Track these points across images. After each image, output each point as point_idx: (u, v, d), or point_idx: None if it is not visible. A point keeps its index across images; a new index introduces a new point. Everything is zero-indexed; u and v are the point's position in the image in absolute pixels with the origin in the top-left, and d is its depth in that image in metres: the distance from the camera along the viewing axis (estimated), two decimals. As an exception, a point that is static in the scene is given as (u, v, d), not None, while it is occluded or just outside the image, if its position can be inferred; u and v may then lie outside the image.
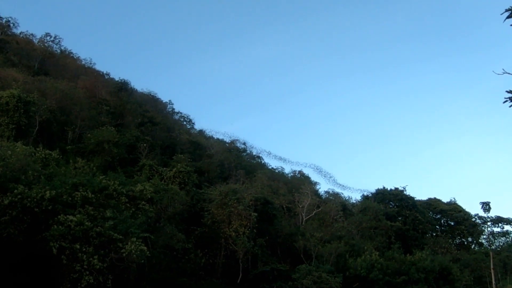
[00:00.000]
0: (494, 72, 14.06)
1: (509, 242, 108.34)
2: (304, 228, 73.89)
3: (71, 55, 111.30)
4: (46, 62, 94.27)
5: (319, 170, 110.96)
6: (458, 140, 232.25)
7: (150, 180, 56.56)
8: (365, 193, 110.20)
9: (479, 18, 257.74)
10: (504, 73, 13.73)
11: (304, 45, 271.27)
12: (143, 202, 42.92)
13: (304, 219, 77.50)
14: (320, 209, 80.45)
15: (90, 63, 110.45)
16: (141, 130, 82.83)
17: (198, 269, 54.36)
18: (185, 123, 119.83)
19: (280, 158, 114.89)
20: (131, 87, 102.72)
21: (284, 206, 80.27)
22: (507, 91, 13.61)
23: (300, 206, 78.93)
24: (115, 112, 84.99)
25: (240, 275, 57.84)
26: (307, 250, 67.14)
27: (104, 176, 43.34)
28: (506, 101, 13.65)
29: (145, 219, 41.16)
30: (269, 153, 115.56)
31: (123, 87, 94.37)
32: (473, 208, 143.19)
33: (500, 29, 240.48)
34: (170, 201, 55.78)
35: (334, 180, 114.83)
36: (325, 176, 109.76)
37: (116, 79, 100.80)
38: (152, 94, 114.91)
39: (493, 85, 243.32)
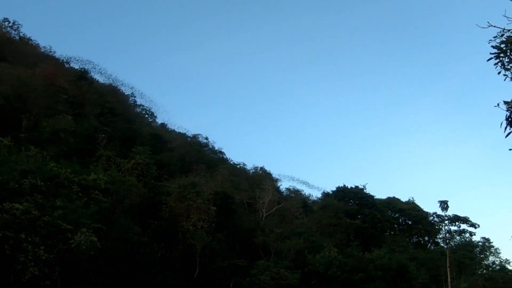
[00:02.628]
0: (479, 26, 13.59)
1: (464, 242, 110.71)
2: (264, 224, 73.47)
3: (31, 42, 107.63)
4: (4, 48, 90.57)
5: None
6: (417, 141, 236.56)
7: (107, 172, 54.90)
8: (326, 191, 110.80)
9: (443, 25, 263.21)
10: (489, 26, 13.26)
11: (271, 42, 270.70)
12: (97, 192, 41.37)
13: (264, 215, 77.03)
14: (280, 206, 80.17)
15: (50, 51, 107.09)
16: (101, 120, 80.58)
17: (154, 263, 52.97)
18: (147, 116, 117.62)
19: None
20: (92, 77, 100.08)
21: (245, 202, 79.56)
22: (492, 47, 13.23)
23: (261, 202, 78.40)
24: (74, 101, 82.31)
25: (197, 270, 56.84)
26: (266, 246, 66.69)
27: (55, 164, 41.52)
28: (491, 58, 13.24)
29: (97, 209, 39.52)
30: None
31: (83, 76, 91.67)
32: (431, 207, 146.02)
33: (463, 37, 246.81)
34: (127, 193, 54.08)
35: (292, 177, 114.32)
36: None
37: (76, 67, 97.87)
38: (114, 85, 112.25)
39: (452, 89, 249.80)
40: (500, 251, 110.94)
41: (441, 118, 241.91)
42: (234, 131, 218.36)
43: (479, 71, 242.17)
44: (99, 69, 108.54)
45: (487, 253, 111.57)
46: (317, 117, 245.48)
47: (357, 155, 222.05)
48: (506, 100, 13.32)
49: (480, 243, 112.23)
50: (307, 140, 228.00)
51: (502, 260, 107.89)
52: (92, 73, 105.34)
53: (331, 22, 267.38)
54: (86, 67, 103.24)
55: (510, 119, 13.08)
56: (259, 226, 72.15)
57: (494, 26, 13.24)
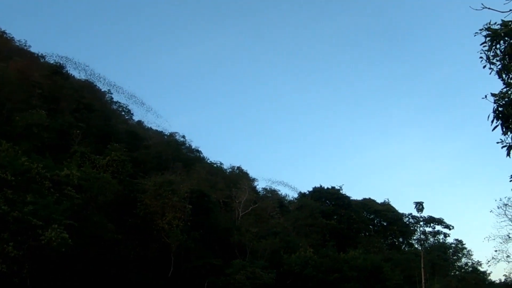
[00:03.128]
0: (472, 8, 13.46)
1: (438, 243, 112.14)
2: (240, 223, 73.14)
3: (5, 35, 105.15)
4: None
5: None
6: (393, 143, 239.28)
7: (81, 168, 53.85)
8: (302, 191, 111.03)
9: (418, 28, 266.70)
10: (483, 8, 13.12)
11: (252, 42, 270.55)
12: (69, 188, 40.41)
13: (241, 215, 76.66)
14: (257, 205, 79.90)
15: (25, 45, 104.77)
16: (76, 116, 79.08)
17: (128, 261, 52.16)
18: (123, 113, 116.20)
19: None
20: (68, 72, 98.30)
21: (221, 201, 79.09)
22: (486, 29, 13.05)
23: (237, 201, 78.00)
24: (49, 96, 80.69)
25: (172, 269, 56.17)
26: (242, 245, 66.45)
27: (27, 159, 40.46)
28: (484, 43, 13.16)
29: (70, 206, 38.59)
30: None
31: (58, 71, 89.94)
32: (407, 208, 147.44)
33: (437, 39, 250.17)
34: (101, 189, 53.13)
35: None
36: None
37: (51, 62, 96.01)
38: (90, 81, 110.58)
39: (428, 91, 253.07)
40: (472, 253, 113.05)
41: (418, 120, 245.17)
42: (212, 131, 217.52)
43: (457, 73, 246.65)
44: (76, 64, 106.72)
45: (460, 255, 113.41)
46: (294, 118, 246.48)
47: (334, 156, 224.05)
48: (493, 92, 13.25)
49: (453, 245, 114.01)
50: (284, 141, 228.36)
51: (474, 262, 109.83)
52: (68, 69, 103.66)
53: (312, 24, 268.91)
54: (62, 62, 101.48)
55: (497, 112, 13.00)
56: (235, 226, 71.81)
57: (489, 8, 13.11)
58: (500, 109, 12.98)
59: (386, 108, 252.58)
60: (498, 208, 50.15)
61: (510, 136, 13.08)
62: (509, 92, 12.95)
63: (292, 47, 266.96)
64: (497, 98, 12.90)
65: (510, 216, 49.68)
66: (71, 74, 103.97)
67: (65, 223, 35.46)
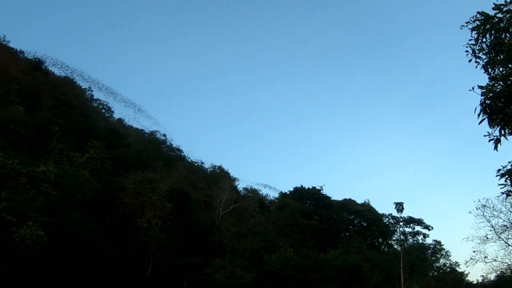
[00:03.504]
0: None
1: (417, 244, 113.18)
2: (220, 223, 72.72)
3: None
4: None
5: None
6: (374, 144, 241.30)
7: (59, 165, 52.90)
8: (283, 191, 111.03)
9: (402, 31, 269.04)
10: None
11: (232, 41, 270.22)
12: (46, 185, 39.57)
13: (221, 214, 76.27)
14: (237, 205, 79.60)
15: (4, 40, 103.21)
16: (55, 113, 77.79)
17: (106, 260, 51.34)
18: (103, 111, 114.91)
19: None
20: (47, 68, 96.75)
21: (202, 200, 78.60)
22: (478, 12, 13.09)
23: (218, 201, 77.58)
24: (28, 92, 79.26)
25: (150, 268, 55.53)
26: (222, 245, 66.06)
27: (2, 154, 39.55)
28: (475, 27, 13.12)
29: (46, 203, 37.77)
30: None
31: (37, 67, 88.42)
32: (387, 209, 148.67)
33: (419, 44, 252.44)
34: (79, 187, 52.24)
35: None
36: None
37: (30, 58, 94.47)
38: (70, 78, 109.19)
39: (409, 95, 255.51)
40: (450, 253, 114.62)
41: (399, 123, 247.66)
42: (193, 131, 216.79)
43: (437, 78, 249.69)
44: (55, 62, 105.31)
45: (438, 256, 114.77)
46: (276, 119, 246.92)
47: (315, 157, 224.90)
48: (480, 84, 13.20)
49: (431, 246, 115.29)
50: (266, 141, 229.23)
51: (452, 263, 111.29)
52: (48, 66, 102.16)
53: (290, 22, 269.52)
54: (42, 58, 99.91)
55: (484, 105, 12.94)
56: (216, 225, 71.42)
57: None
58: (487, 101, 12.93)
59: (368, 110, 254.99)
60: (477, 209, 50.63)
61: (497, 129, 13.03)
62: (496, 85, 12.90)
63: (276, 48, 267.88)
64: (485, 90, 12.83)
65: (488, 217, 50.23)
66: (51, 71, 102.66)
67: (40, 220, 34.69)
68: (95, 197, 55.48)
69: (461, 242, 64.87)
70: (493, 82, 12.94)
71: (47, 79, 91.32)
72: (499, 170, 14.62)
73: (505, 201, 43.34)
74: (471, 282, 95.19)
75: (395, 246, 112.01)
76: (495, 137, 13.16)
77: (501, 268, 57.16)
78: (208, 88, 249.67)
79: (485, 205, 50.03)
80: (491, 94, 12.69)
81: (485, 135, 13.23)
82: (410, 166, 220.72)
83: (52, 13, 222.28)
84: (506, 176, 14.40)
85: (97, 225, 51.93)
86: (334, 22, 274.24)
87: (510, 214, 48.97)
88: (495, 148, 13.06)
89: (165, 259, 57.72)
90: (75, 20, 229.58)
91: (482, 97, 13.00)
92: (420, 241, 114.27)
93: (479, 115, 13.12)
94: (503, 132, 12.95)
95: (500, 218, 49.67)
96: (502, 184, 14.74)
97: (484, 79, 14.27)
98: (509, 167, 14.32)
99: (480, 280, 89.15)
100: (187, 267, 57.91)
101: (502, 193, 15.60)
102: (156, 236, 55.09)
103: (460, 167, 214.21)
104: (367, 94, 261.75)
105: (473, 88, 13.14)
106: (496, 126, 12.92)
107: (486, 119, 13.06)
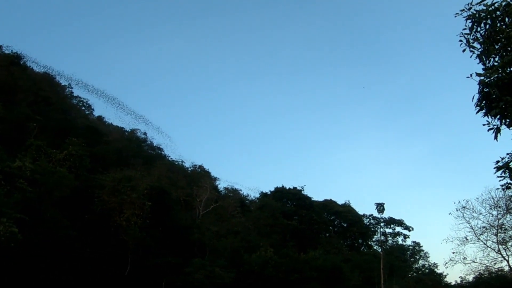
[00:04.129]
0: None
1: (397, 245, 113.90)
2: (200, 222, 72.20)
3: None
4: None
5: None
6: (355, 145, 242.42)
7: (37, 162, 51.74)
8: (264, 191, 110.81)
9: (382, 31, 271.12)
10: None
11: (213, 40, 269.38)
12: (21, 181, 38.55)
13: (201, 213, 75.73)
14: (218, 204, 79.15)
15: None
16: (33, 109, 76.24)
17: (83, 258, 50.40)
18: (83, 108, 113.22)
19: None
20: (25, 64, 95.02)
21: (182, 199, 77.86)
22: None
23: (198, 200, 77.02)
24: (5, 87, 77.70)
25: (129, 267, 54.73)
26: (202, 244, 65.48)
27: (-24, 149, 38.51)
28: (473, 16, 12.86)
29: (21, 199, 36.79)
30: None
31: (15, 62, 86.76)
32: (367, 210, 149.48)
33: (399, 47, 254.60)
34: (57, 184, 51.14)
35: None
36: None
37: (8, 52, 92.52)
38: (49, 73, 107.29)
39: (388, 97, 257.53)
40: (429, 255, 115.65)
41: (379, 125, 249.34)
42: (175, 130, 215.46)
43: (416, 81, 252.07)
44: (34, 59, 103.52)
45: (417, 257, 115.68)
46: (258, 120, 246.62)
47: (296, 157, 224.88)
48: (478, 72, 12.93)
49: (411, 247, 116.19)
50: (247, 140, 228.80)
51: (431, 264, 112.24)
52: (27, 62, 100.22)
53: (269, 20, 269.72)
54: (20, 53, 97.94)
55: (483, 92, 12.62)
56: (196, 224, 70.79)
57: None
58: (485, 89, 12.64)
59: (349, 112, 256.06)
60: (457, 210, 51.09)
61: (496, 118, 12.72)
62: (495, 71, 12.61)
63: (258, 49, 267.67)
64: (483, 78, 12.47)
65: (468, 219, 50.67)
66: (30, 66, 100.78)
67: (15, 216, 33.73)
68: (73, 194, 54.37)
69: (441, 243, 65.31)
70: (493, 67, 12.63)
71: (25, 74, 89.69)
72: (497, 161, 14.36)
73: (504, 194, 43.69)
74: (450, 283, 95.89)
75: (375, 247, 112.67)
76: (495, 126, 12.86)
77: (480, 270, 57.75)
78: (187, 88, 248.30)
79: (465, 207, 50.50)
80: (490, 79, 12.38)
81: (484, 124, 12.92)
82: (391, 166, 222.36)
83: (39, 11, 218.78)
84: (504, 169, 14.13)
85: (74, 223, 50.98)
86: (316, 17, 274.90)
87: (489, 216, 49.48)
88: (495, 137, 12.76)
89: (144, 258, 56.91)
90: (62, 19, 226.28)
91: (480, 86, 12.72)
92: (400, 242, 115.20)
93: (476, 104, 12.85)
94: (503, 121, 12.61)
95: (480, 219, 50.20)
96: (501, 177, 14.44)
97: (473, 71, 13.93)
98: (507, 159, 14.06)
99: (458, 281, 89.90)
100: (166, 266, 57.25)
101: (501, 185, 15.36)
102: (135, 234, 54.34)
103: (441, 168, 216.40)
104: (348, 96, 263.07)
105: (471, 75, 12.85)
106: (494, 115, 12.60)
107: (485, 107, 12.74)
